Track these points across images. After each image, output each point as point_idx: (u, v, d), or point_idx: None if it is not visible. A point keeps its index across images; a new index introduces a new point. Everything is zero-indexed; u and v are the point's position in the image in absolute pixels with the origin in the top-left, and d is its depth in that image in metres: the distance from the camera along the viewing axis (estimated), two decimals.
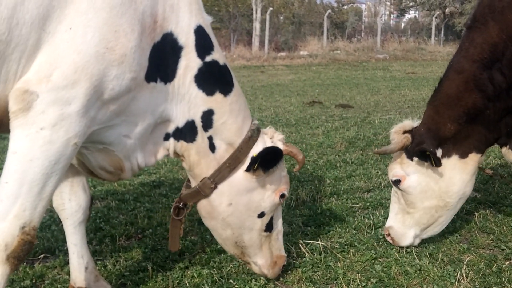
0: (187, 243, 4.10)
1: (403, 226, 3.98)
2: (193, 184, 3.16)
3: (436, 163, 3.63)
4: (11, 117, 2.30)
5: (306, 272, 3.66)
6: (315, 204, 5.07)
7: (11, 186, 2.28)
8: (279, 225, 3.39)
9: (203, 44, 2.86)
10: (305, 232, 4.35)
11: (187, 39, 2.78)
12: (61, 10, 2.30)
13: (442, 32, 36.63)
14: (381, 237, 4.22)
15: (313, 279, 3.58)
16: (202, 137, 3.00)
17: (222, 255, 3.94)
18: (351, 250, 4.01)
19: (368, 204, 5.10)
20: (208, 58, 2.89)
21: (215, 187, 3.06)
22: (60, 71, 2.31)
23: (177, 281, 3.53)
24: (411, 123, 3.87)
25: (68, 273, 3.56)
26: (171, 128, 2.94)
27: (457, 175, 3.78)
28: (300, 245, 4.06)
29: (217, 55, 2.94)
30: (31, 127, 2.28)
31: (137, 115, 2.71)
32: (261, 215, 3.21)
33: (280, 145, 3.18)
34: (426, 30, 37.20)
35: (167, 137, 2.97)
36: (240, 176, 3.08)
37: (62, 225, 4.40)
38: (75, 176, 3.13)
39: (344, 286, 3.45)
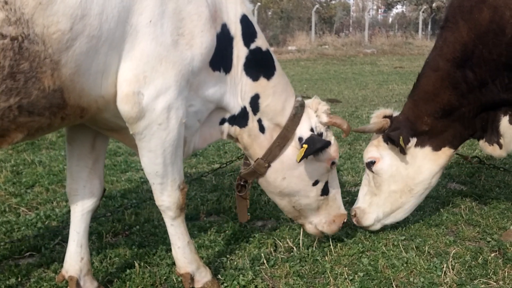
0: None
1: (369, 207, 4.12)
2: (251, 162, 3.48)
3: (402, 150, 3.83)
4: (132, 122, 2.68)
5: (294, 267, 3.66)
6: None
7: (162, 172, 2.86)
8: (335, 186, 3.67)
9: (248, 33, 3.11)
10: (293, 226, 4.35)
11: (235, 29, 3.05)
12: (140, 2, 2.52)
13: (429, 27, 36.76)
14: (369, 230, 4.24)
15: (300, 274, 3.59)
16: (252, 121, 3.30)
17: (210, 250, 3.94)
18: (339, 244, 4.02)
19: (355, 198, 5.10)
20: (252, 46, 3.15)
21: (269, 166, 3.37)
22: (150, 66, 2.59)
23: (164, 277, 3.51)
24: (391, 111, 4.05)
25: (54, 271, 3.56)
26: (227, 115, 3.23)
27: (426, 165, 3.94)
28: (287, 239, 4.07)
29: (260, 41, 3.19)
30: (153, 126, 2.71)
31: (207, 101, 3.02)
32: (315, 183, 3.51)
33: (324, 118, 3.43)
34: (413, 24, 37.32)
35: (222, 121, 3.26)
36: (290, 152, 3.36)
37: (48, 223, 4.41)
38: (94, 164, 3.17)
39: (331, 280, 3.46)
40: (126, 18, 2.47)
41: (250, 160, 3.52)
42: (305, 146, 3.26)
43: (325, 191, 3.59)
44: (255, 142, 3.36)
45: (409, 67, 20.92)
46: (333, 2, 41.34)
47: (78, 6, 2.27)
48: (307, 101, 3.49)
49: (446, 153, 3.93)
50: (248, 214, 3.75)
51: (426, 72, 3.88)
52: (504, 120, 3.81)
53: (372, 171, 4.06)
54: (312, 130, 3.39)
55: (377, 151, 4.04)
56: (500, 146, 3.87)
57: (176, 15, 2.68)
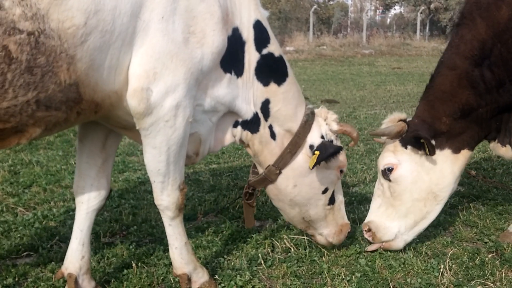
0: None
1: (387, 219, 3.82)
2: (260, 170, 3.50)
3: (430, 150, 3.56)
4: (139, 118, 2.69)
5: (291, 267, 3.66)
6: None
7: (164, 170, 2.87)
8: (340, 196, 3.68)
9: (260, 38, 3.13)
10: (290, 227, 4.35)
11: (248, 34, 3.07)
12: None
13: (427, 27, 36.78)
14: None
15: (298, 274, 3.59)
16: (264, 126, 3.32)
17: (207, 251, 3.94)
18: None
19: (353, 199, 5.12)
20: (264, 51, 3.17)
21: (280, 173, 3.38)
22: (161, 62, 2.61)
23: (161, 277, 3.51)
24: (405, 115, 3.82)
25: (52, 271, 3.55)
26: (240, 119, 3.25)
27: (448, 168, 3.72)
28: (285, 240, 4.07)
29: (273, 47, 3.21)
30: (160, 123, 2.73)
31: (218, 102, 3.03)
32: (325, 191, 3.52)
33: (334, 126, 3.44)
34: (411, 25, 37.33)
35: (236, 124, 3.28)
36: (301, 159, 3.38)
37: (45, 223, 4.40)
38: (104, 163, 3.19)
39: (328, 280, 3.46)
40: (138, 13, 2.51)
41: (258, 168, 3.53)
42: (317, 152, 3.28)
43: (331, 200, 3.60)
44: (266, 149, 3.37)
45: (407, 68, 20.96)
46: (331, 2, 41.34)
47: (92, 1, 2.32)
48: (316, 110, 3.51)
49: (465, 155, 3.74)
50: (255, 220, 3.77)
51: (442, 71, 3.69)
52: None
53: (390, 180, 3.77)
54: (322, 137, 3.41)
55: (395, 156, 3.76)
56: None
57: (188, 13, 2.71)
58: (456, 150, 3.72)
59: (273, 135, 3.35)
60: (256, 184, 3.52)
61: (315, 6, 33.25)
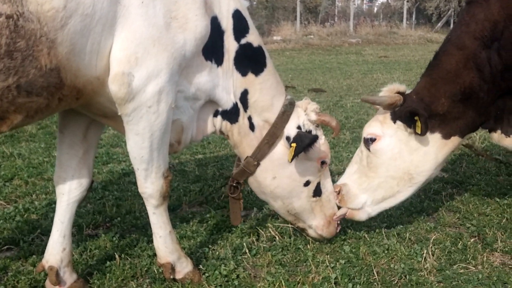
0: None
1: (358, 187, 3.71)
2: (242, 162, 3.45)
3: (423, 129, 3.38)
4: (120, 103, 2.67)
5: (276, 256, 3.66)
6: None
7: (147, 157, 2.85)
8: (328, 187, 3.62)
9: (239, 28, 3.11)
10: (275, 216, 4.34)
11: (227, 24, 3.06)
12: None
13: (414, 16, 36.83)
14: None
15: (282, 262, 3.58)
16: (243, 117, 3.30)
17: (192, 241, 3.92)
18: None
19: None
20: (243, 41, 3.15)
21: (258, 164, 3.36)
22: (142, 47, 2.60)
23: (145, 268, 3.49)
24: (405, 87, 3.61)
25: (33, 264, 3.51)
26: (220, 108, 3.24)
27: (433, 153, 3.59)
28: (270, 229, 4.06)
29: (251, 37, 3.19)
30: (142, 109, 2.71)
31: (199, 89, 3.02)
32: (307, 183, 3.48)
33: (313, 116, 3.40)
34: (398, 14, 37.36)
35: (216, 114, 3.27)
36: (280, 150, 3.35)
37: (27, 217, 4.36)
38: (85, 154, 3.16)
39: (313, 268, 3.46)
40: None
41: (241, 160, 3.51)
42: (294, 145, 3.24)
43: (317, 192, 3.55)
44: (245, 140, 3.36)
45: (393, 56, 20.99)
46: None
47: None
48: (297, 102, 3.48)
49: (454, 142, 3.60)
50: (242, 217, 3.74)
51: (448, 49, 3.52)
52: None
53: (369, 150, 3.65)
54: (299, 127, 3.38)
55: (381, 128, 3.63)
56: None
57: None
58: (447, 136, 3.58)
59: (252, 127, 3.34)
60: (238, 177, 3.49)
61: None
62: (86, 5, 2.38)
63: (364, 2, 48.57)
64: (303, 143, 3.22)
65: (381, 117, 3.66)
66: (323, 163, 3.51)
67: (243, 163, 3.41)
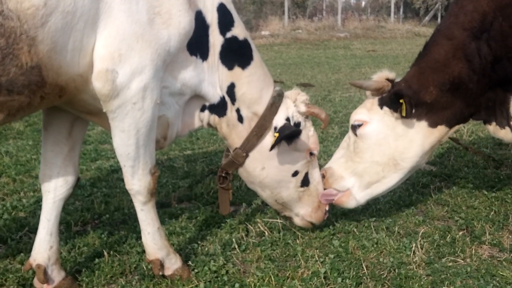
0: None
1: (344, 171, 3.76)
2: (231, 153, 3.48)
3: (408, 111, 3.43)
4: (105, 100, 2.64)
5: (265, 251, 3.66)
6: None
7: (134, 154, 2.83)
8: (316, 177, 3.66)
9: (224, 21, 3.10)
10: (264, 211, 4.35)
11: (212, 18, 3.04)
12: None
13: (401, 10, 36.95)
14: (340, 212, 4.26)
15: (272, 257, 3.58)
16: (231, 110, 3.30)
17: (181, 237, 3.91)
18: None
19: None
20: (228, 35, 3.14)
21: (247, 155, 3.39)
22: (126, 44, 2.58)
23: (134, 265, 3.47)
24: (394, 75, 3.67)
25: (21, 262, 3.48)
26: (207, 103, 3.23)
27: (419, 140, 3.61)
28: (259, 224, 4.06)
29: (237, 30, 3.18)
30: (127, 105, 2.69)
31: (184, 85, 3.01)
32: (295, 174, 3.52)
33: (302, 107, 3.43)
34: (386, 8, 37.45)
35: (203, 109, 3.26)
36: (268, 142, 3.35)
37: (15, 214, 4.32)
38: (70, 151, 3.13)
39: (302, 262, 3.46)
40: None
41: (230, 151, 3.53)
42: (277, 134, 3.28)
43: (305, 183, 3.59)
44: (234, 132, 3.37)
45: (381, 50, 21.05)
46: None
47: None
48: (287, 92, 3.49)
49: (440, 131, 3.63)
50: (231, 207, 3.75)
51: (438, 39, 3.55)
52: None
53: (356, 135, 3.70)
54: (288, 119, 3.40)
55: (367, 114, 3.67)
56: None
57: None
58: (433, 124, 3.60)
59: (240, 119, 3.34)
60: (227, 167, 3.51)
61: None
62: (67, 2, 2.35)
63: None
64: (282, 133, 3.26)
65: (369, 104, 3.72)
66: (311, 154, 3.55)
67: (232, 154, 3.43)
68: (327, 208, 3.74)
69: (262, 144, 3.37)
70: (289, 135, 3.29)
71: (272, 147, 3.27)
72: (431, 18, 33.72)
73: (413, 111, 3.48)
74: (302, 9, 35.79)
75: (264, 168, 3.43)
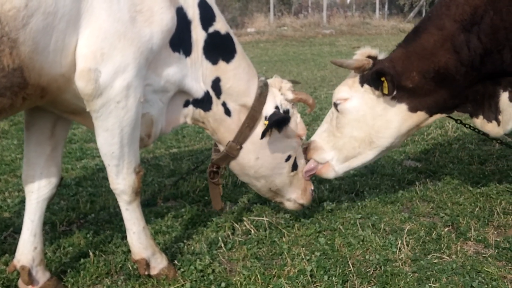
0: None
1: (325, 144, 3.88)
2: (221, 148, 3.51)
3: (390, 89, 3.46)
4: (88, 99, 2.63)
5: (252, 249, 3.65)
6: None
7: (118, 153, 2.82)
8: (302, 160, 3.78)
9: (206, 16, 3.10)
10: (251, 209, 4.35)
11: (193, 13, 3.04)
12: None
13: (386, 6, 37.06)
14: (326, 210, 4.27)
15: (258, 256, 3.58)
16: (216, 104, 3.31)
17: (167, 236, 3.89)
18: (296, 225, 4.03)
19: (313, 178, 5.08)
20: (211, 29, 3.14)
21: (241, 148, 3.41)
22: (108, 42, 2.56)
23: (120, 265, 3.45)
24: (377, 52, 3.68)
25: (5, 263, 3.45)
26: (191, 98, 3.23)
27: (396, 122, 3.66)
28: (245, 222, 4.05)
29: (218, 25, 3.18)
30: (111, 104, 2.68)
31: (168, 81, 2.99)
32: (288, 158, 3.60)
33: (289, 95, 3.48)
34: (371, 4, 37.56)
35: (186, 104, 3.26)
36: (260, 132, 3.37)
37: None
38: (52, 151, 3.10)
39: (288, 260, 3.47)
40: None
41: (219, 146, 3.53)
42: (266, 122, 3.32)
43: (294, 167, 3.69)
44: (222, 126, 3.38)
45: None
46: None
47: None
48: (269, 81, 3.52)
49: (420, 117, 3.65)
50: (222, 201, 3.76)
51: (429, 28, 3.52)
52: (504, 96, 3.58)
53: (338, 110, 3.77)
54: (277, 108, 3.44)
55: (349, 92, 3.73)
56: (499, 123, 3.63)
57: None
58: (413, 109, 3.63)
59: (227, 112, 3.35)
60: (220, 162, 3.53)
61: None
62: (48, 3, 2.32)
63: None
64: (272, 120, 3.31)
65: (350, 81, 3.79)
66: (300, 139, 3.65)
67: (226, 148, 3.42)
68: (312, 188, 3.85)
69: (254, 135, 3.40)
70: (278, 121, 3.33)
71: (263, 135, 3.31)
72: (415, 15, 33.85)
73: (395, 91, 3.50)
74: (288, 6, 35.77)
75: (259, 158, 3.47)
